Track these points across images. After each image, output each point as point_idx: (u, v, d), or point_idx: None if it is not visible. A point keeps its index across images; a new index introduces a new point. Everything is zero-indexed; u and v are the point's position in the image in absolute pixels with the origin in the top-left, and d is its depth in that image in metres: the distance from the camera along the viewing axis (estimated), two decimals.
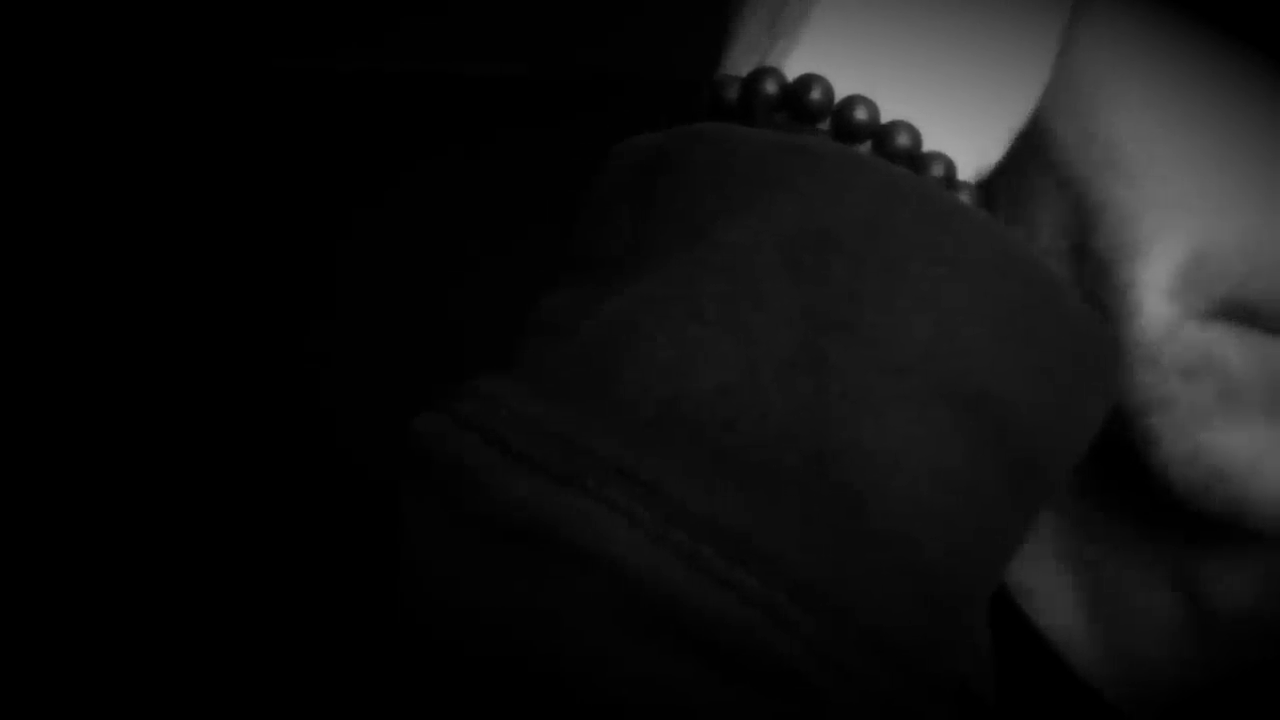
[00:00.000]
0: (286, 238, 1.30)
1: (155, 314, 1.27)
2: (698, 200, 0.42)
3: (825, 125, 0.43)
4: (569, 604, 0.39)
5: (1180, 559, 0.53)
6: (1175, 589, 0.54)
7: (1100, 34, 0.48)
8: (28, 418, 1.23)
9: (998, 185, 0.48)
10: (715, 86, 0.45)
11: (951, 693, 0.42)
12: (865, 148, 0.43)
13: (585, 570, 0.39)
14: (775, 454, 0.40)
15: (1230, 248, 0.47)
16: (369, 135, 1.33)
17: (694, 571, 0.39)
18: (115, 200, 1.30)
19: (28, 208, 1.30)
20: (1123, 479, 0.51)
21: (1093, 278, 0.48)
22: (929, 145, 0.43)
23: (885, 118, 0.43)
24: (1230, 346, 0.47)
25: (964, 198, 0.43)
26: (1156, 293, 0.47)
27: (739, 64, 0.45)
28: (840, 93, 0.43)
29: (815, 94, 0.43)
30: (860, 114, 0.43)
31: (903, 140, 0.43)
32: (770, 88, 0.43)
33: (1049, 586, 0.55)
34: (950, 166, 0.43)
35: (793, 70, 0.43)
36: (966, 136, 0.44)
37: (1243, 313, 0.47)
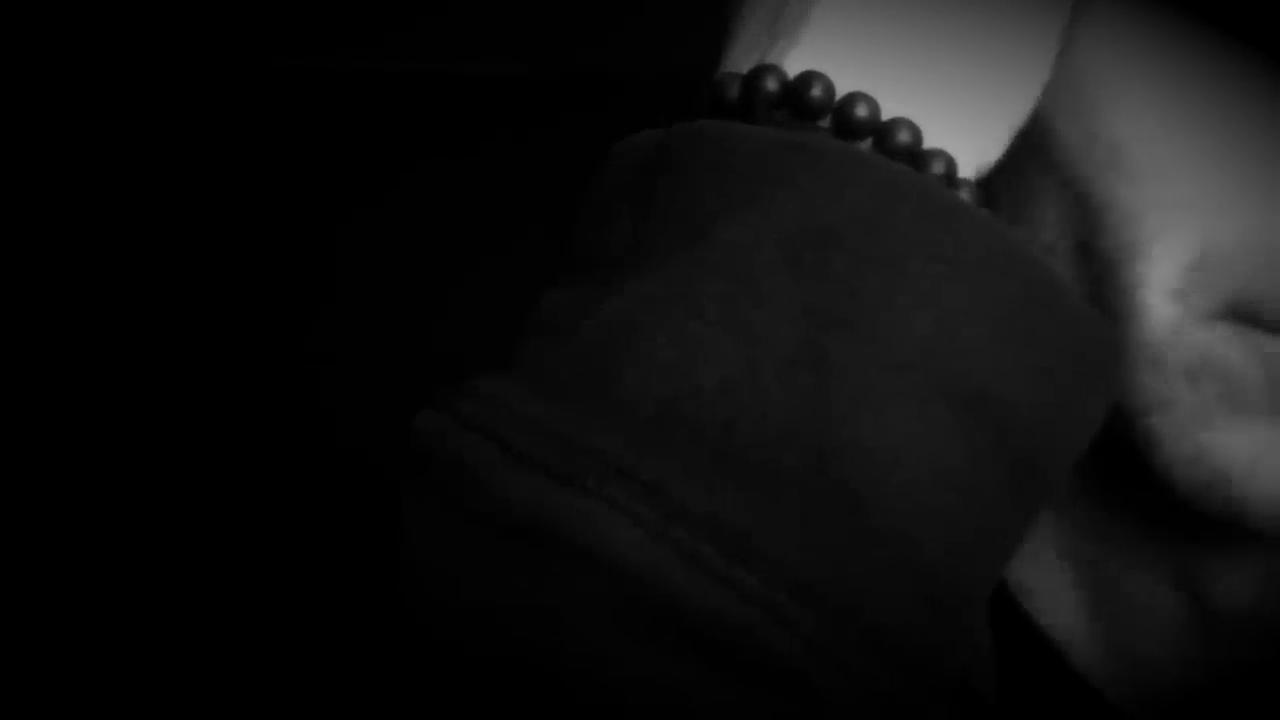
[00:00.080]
0: (287, 237, 1.30)
1: (156, 314, 1.27)
2: (698, 199, 0.42)
3: (826, 123, 0.43)
4: (569, 603, 0.39)
5: (1182, 558, 0.53)
6: (1177, 588, 0.54)
7: (1101, 34, 0.48)
8: (28, 417, 1.23)
9: (998, 184, 0.48)
10: (716, 84, 0.44)
11: (952, 692, 0.42)
12: (866, 145, 0.43)
13: (585, 569, 0.39)
14: (775, 453, 0.40)
15: (1232, 248, 0.47)
16: (369, 135, 1.33)
17: (694, 570, 0.39)
18: (116, 200, 1.31)
19: (28, 208, 1.30)
20: (1124, 478, 0.51)
21: (1097, 277, 0.48)
22: (929, 143, 0.43)
23: (886, 115, 0.43)
24: (1233, 348, 0.47)
25: (964, 195, 0.43)
26: (1161, 294, 0.47)
27: (739, 62, 0.45)
28: (841, 90, 0.43)
29: (816, 91, 0.43)
30: (861, 111, 0.43)
31: (903, 138, 0.43)
32: (771, 85, 0.43)
33: (1050, 586, 0.55)
34: (951, 164, 0.43)
35: (793, 68, 0.43)
36: (967, 134, 0.44)
37: (1245, 313, 0.47)
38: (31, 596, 1.13)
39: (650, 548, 0.39)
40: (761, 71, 0.43)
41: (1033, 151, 0.49)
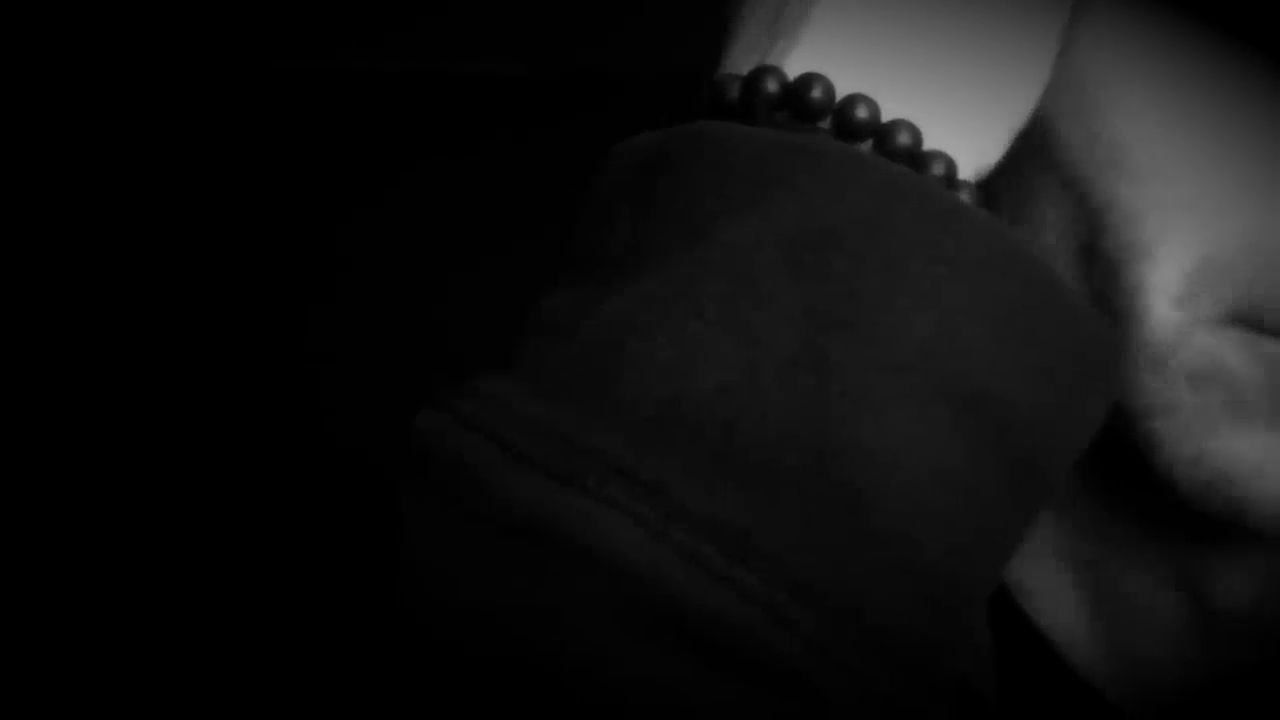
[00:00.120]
0: (287, 237, 1.30)
1: (156, 313, 1.27)
2: (698, 199, 0.42)
3: (826, 124, 0.43)
4: (569, 602, 0.39)
5: (1183, 559, 0.53)
6: (1178, 589, 0.54)
7: (1101, 34, 0.48)
8: (28, 416, 1.23)
9: (999, 185, 0.48)
10: (716, 85, 0.44)
11: (952, 692, 0.42)
12: (866, 146, 0.43)
13: (585, 569, 0.39)
14: (775, 453, 0.40)
15: (1234, 251, 0.47)
16: (369, 135, 1.33)
17: (694, 570, 0.39)
18: (116, 200, 1.31)
19: (28, 208, 1.30)
20: (1125, 479, 0.51)
21: (1099, 278, 0.48)
22: (930, 144, 0.43)
23: (886, 116, 0.43)
24: (1235, 352, 0.47)
25: (964, 197, 0.43)
26: (1165, 298, 0.47)
27: (739, 63, 0.45)
28: (841, 91, 0.43)
29: (816, 92, 0.43)
30: (861, 113, 0.43)
31: (903, 139, 0.43)
32: (771, 86, 0.43)
33: (1050, 586, 0.55)
34: (951, 165, 0.43)
35: (793, 69, 0.43)
36: (967, 136, 0.44)
37: (1248, 318, 0.47)
38: (31, 596, 1.13)
39: (650, 547, 0.39)
40: (762, 72, 0.43)
41: (1033, 152, 0.49)
